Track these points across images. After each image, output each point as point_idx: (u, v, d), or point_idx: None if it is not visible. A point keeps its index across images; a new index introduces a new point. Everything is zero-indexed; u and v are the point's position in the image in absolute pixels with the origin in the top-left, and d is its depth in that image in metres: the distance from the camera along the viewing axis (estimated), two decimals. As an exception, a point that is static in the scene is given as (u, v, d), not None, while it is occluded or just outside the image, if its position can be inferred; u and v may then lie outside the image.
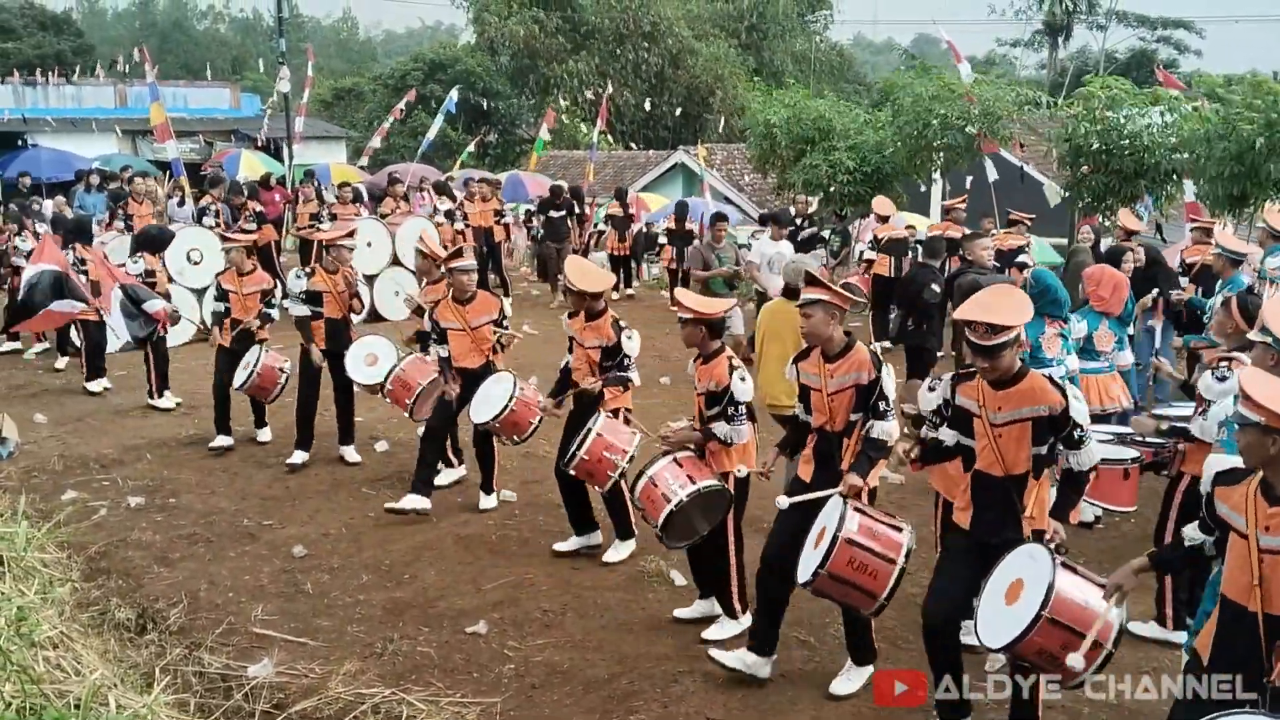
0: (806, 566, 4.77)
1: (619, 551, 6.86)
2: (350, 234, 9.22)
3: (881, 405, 4.97)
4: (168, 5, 71.39)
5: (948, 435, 4.63)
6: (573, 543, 6.98)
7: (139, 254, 11.25)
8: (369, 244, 14.08)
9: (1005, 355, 4.30)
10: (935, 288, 9.92)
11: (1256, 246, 10.17)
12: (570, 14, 37.95)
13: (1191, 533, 3.79)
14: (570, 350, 6.86)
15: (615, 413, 6.58)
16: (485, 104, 35.76)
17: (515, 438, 7.28)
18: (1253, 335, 5.00)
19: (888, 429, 4.98)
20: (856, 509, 4.77)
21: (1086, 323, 7.43)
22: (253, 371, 8.95)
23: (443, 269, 7.96)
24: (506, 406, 7.09)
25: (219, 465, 8.90)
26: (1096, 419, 6.98)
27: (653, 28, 37.01)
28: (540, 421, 7.24)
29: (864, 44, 79.61)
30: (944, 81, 16.21)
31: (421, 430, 8.12)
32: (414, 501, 7.50)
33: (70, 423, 10.09)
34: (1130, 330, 8.32)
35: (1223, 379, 5.19)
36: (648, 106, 30.80)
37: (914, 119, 15.71)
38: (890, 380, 4.99)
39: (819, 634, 5.74)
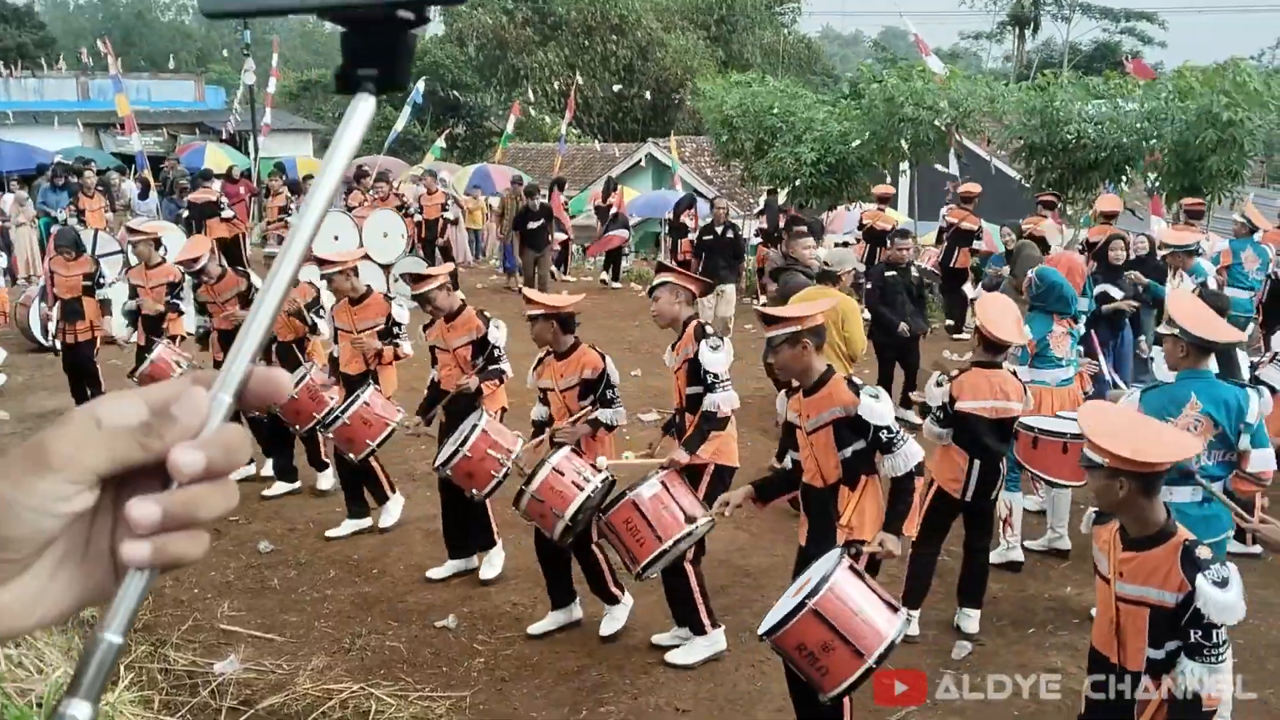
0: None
1: (494, 566, 6.51)
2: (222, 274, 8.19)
3: (709, 378, 5.19)
4: (131, -3, 70.46)
5: (790, 458, 4.69)
6: (449, 567, 6.59)
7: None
8: (335, 238, 13.98)
9: (782, 350, 4.36)
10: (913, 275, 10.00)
11: (1200, 234, 10.36)
12: (539, 4, 37.85)
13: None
14: (434, 363, 6.69)
15: (494, 414, 6.33)
16: (454, 96, 35.58)
17: (351, 455, 6.81)
18: (1161, 329, 5.00)
19: (715, 400, 5.20)
20: (663, 481, 4.96)
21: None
22: (146, 361, 8.35)
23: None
24: (339, 419, 6.65)
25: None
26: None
27: (621, 20, 36.96)
28: (386, 438, 6.82)
29: (832, 36, 79.89)
30: (919, 76, 16.14)
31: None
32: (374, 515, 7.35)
33: (32, 419, 9.96)
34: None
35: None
36: (616, 88, 30.80)
37: (886, 114, 15.65)
38: (711, 354, 5.17)
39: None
